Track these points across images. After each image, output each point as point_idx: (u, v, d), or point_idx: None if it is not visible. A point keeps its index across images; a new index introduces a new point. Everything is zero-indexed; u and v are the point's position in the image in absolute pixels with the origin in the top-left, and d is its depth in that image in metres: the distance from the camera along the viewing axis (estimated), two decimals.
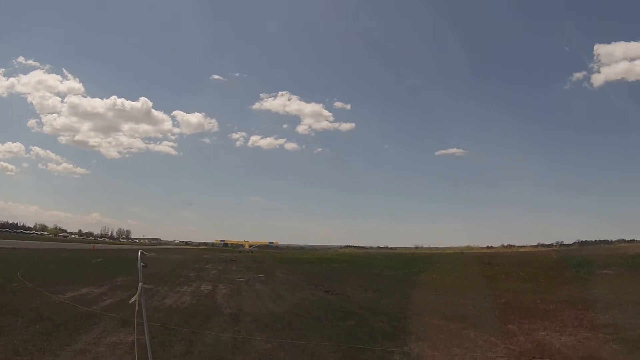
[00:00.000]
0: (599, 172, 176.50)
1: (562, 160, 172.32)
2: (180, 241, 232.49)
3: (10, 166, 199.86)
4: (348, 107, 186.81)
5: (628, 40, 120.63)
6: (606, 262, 31.81)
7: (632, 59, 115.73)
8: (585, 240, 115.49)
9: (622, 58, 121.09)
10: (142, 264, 6.38)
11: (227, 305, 16.42)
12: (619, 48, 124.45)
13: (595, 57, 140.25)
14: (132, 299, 6.30)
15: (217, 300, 17.91)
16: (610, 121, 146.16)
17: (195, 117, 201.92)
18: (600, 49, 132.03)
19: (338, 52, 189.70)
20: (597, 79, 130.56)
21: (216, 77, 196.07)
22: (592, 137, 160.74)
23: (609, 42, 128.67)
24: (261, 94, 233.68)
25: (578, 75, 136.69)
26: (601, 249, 58.81)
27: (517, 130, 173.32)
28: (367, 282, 26.61)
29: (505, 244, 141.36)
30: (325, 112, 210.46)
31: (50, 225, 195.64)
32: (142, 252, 6.49)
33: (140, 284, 6.29)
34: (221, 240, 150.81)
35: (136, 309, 6.27)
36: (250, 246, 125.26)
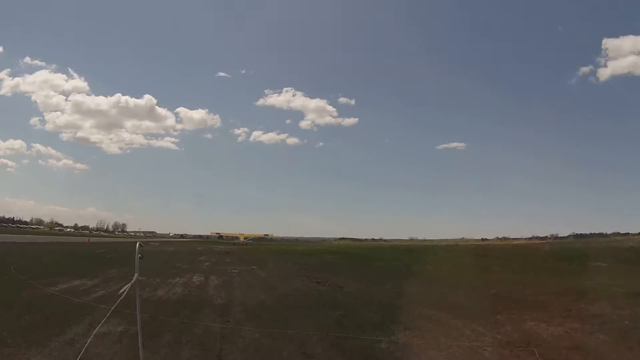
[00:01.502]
0: (597, 166, 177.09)
1: (562, 154, 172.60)
2: (175, 234, 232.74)
3: (10, 163, 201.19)
4: (352, 102, 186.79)
5: (637, 34, 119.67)
6: (599, 255, 32.05)
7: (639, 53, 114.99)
8: (581, 233, 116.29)
9: (630, 52, 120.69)
10: (139, 255, 6.44)
11: (218, 296, 16.52)
12: (627, 42, 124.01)
13: (602, 51, 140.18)
14: (122, 290, 6.36)
15: (209, 291, 18.03)
16: (614, 115, 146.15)
17: (198, 114, 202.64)
18: (609, 43, 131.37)
19: (343, 49, 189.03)
20: (604, 73, 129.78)
21: (222, 74, 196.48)
22: (593, 131, 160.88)
23: (617, 36, 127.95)
24: (266, 90, 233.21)
25: (585, 69, 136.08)
26: (595, 242, 59.21)
27: (518, 124, 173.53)
28: (360, 274, 26.69)
29: (500, 237, 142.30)
30: (329, 108, 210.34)
31: (47, 220, 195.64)
32: (139, 244, 6.57)
33: (136, 275, 6.37)
34: (216, 233, 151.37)
35: (121, 298, 6.32)
36: (245, 238, 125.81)
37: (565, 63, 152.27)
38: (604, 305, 13.76)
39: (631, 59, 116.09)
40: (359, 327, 11.40)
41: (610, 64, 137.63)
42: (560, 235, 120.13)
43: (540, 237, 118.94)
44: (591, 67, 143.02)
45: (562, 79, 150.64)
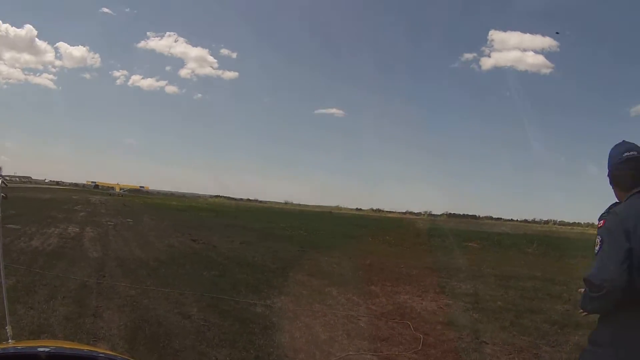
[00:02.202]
0: (471, 151, 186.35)
1: (438, 135, 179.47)
2: (51, 180, 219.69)
3: None
4: (234, 55, 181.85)
5: (524, 32, 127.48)
6: (472, 236, 33.81)
7: (524, 50, 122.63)
8: (454, 213, 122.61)
9: (514, 47, 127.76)
10: (2, 195, 5.61)
11: (94, 249, 16.28)
12: (514, 37, 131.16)
13: (488, 42, 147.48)
14: None
15: (84, 243, 17.72)
16: (491, 102, 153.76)
17: (78, 51, 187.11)
18: (495, 35, 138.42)
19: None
20: (487, 63, 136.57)
21: (105, 10, 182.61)
22: (468, 117, 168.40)
23: (504, 30, 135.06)
24: (148, 33, 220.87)
25: (469, 56, 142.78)
26: (468, 223, 62.57)
27: (398, 99, 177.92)
28: (234, 233, 26.63)
29: (375, 208, 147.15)
30: (210, 58, 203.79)
31: None
32: (2, 182, 5.75)
33: None
34: (92, 182, 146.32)
35: None
36: (120, 189, 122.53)
37: (452, 48, 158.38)
38: (477, 284, 14.38)
39: (515, 53, 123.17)
40: (234, 289, 11.35)
41: (494, 54, 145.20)
42: (434, 213, 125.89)
43: (415, 213, 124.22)
44: (475, 54, 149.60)
45: (447, 62, 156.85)
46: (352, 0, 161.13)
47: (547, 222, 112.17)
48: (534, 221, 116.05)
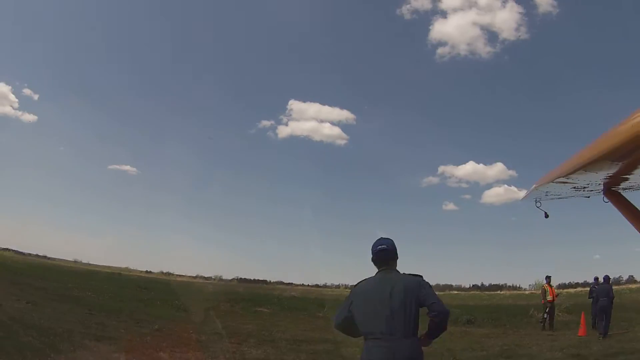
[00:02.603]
0: (263, 216, 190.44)
1: (231, 197, 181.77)
2: None
3: None
4: (36, 97, 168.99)
5: (323, 103, 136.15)
6: (262, 301, 34.25)
7: (321, 121, 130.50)
8: (244, 278, 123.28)
9: (312, 117, 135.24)
10: None
11: None
12: (312, 108, 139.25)
13: (287, 111, 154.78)
14: None
15: None
16: (286, 173, 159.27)
17: None
18: (295, 104, 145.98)
19: (34, 29, 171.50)
20: (284, 131, 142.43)
21: None
22: (263, 183, 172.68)
23: (304, 101, 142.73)
24: None
25: (266, 122, 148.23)
26: (259, 288, 63.42)
27: (193, 157, 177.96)
28: (20, 292, 24.20)
29: (165, 271, 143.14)
30: (12, 97, 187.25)
31: None
32: None
33: None
34: None
35: None
36: None
37: (251, 114, 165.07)
38: (267, 349, 14.58)
39: (312, 124, 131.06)
40: (19, 353, 10.53)
41: (292, 124, 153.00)
42: (225, 277, 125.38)
43: (205, 277, 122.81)
44: (273, 122, 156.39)
45: (245, 127, 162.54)
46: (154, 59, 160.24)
47: (338, 286, 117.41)
48: (325, 286, 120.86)
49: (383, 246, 5.19)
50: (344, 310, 5.15)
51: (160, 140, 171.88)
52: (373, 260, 5.23)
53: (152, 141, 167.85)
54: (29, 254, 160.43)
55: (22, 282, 32.31)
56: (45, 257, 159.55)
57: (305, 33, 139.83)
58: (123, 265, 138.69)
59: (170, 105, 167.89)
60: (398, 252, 5.29)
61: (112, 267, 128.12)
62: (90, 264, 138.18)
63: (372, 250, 5.24)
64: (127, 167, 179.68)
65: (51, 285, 32.94)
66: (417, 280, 5.04)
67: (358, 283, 5.27)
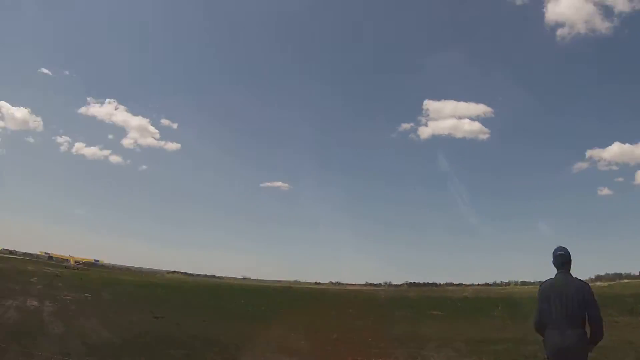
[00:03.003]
0: (421, 220, 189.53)
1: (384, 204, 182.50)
2: (4, 249, 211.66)
3: None
4: (175, 126, 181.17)
5: (458, 100, 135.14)
6: (435, 304, 33.74)
7: (459, 117, 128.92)
8: (414, 282, 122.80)
9: (449, 115, 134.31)
10: None
11: (54, 325, 15.44)
12: (448, 106, 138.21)
13: (424, 111, 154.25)
14: None
15: (44, 318, 17.03)
16: (432, 174, 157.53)
17: (20, 112, 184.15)
18: (430, 104, 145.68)
19: (171, 63, 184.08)
20: (424, 132, 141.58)
21: (45, 71, 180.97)
22: (414, 187, 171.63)
23: (438, 99, 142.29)
24: (88, 98, 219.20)
25: (406, 125, 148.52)
26: (429, 291, 62.71)
27: (340, 170, 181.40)
28: (195, 311, 25.94)
29: (334, 281, 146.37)
30: (151, 128, 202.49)
31: None
32: None
33: None
34: (46, 253, 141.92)
35: None
36: (75, 262, 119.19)
37: (390, 118, 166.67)
38: (449, 352, 14.23)
39: (451, 121, 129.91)
40: None
41: (431, 123, 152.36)
42: (394, 283, 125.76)
43: (374, 284, 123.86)
44: (412, 124, 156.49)
45: (386, 132, 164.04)
46: (290, 70, 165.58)
47: (507, 283, 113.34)
48: (495, 284, 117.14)
49: (562, 252, 6.37)
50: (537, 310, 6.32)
51: (307, 156, 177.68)
52: (553, 262, 6.37)
53: (297, 156, 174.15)
54: (197, 274, 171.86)
55: (196, 302, 34.40)
56: (213, 276, 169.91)
57: (433, 34, 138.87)
58: (292, 278, 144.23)
59: (304, 119, 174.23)
60: (571, 255, 6.35)
61: (281, 280, 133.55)
62: (259, 279, 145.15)
63: (553, 254, 6.39)
64: (279, 184, 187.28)
65: (224, 303, 34.84)
66: (585, 285, 6.13)
67: (543, 282, 6.44)
